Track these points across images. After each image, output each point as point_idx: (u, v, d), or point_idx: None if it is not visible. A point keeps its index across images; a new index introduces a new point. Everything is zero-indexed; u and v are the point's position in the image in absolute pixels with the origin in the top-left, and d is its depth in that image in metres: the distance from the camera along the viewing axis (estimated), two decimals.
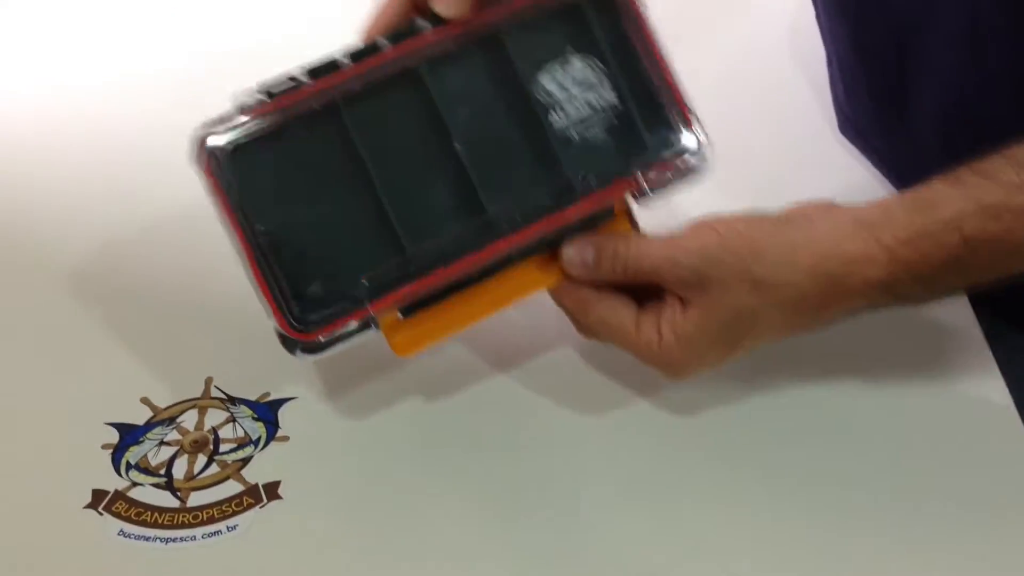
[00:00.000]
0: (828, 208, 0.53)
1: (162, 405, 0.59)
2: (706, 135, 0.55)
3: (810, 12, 0.73)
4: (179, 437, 0.58)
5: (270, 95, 0.52)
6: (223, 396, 0.60)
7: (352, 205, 0.52)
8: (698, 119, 0.55)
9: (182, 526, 0.55)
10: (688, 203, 0.58)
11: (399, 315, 0.52)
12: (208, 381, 0.60)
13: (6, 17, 0.81)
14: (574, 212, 0.54)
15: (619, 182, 0.54)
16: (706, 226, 0.53)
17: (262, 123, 0.51)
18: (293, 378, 0.60)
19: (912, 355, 0.60)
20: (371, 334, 0.52)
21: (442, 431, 0.58)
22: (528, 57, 0.54)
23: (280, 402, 0.59)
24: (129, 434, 0.58)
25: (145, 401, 0.60)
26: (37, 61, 0.80)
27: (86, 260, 0.67)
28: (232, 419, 0.59)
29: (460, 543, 0.54)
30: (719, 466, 0.56)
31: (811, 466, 0.56)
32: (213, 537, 0.54)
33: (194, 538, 0.54)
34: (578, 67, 0.54)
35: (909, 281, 0.51)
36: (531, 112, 0.54)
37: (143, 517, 0.55)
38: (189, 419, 0.59)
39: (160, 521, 0.55)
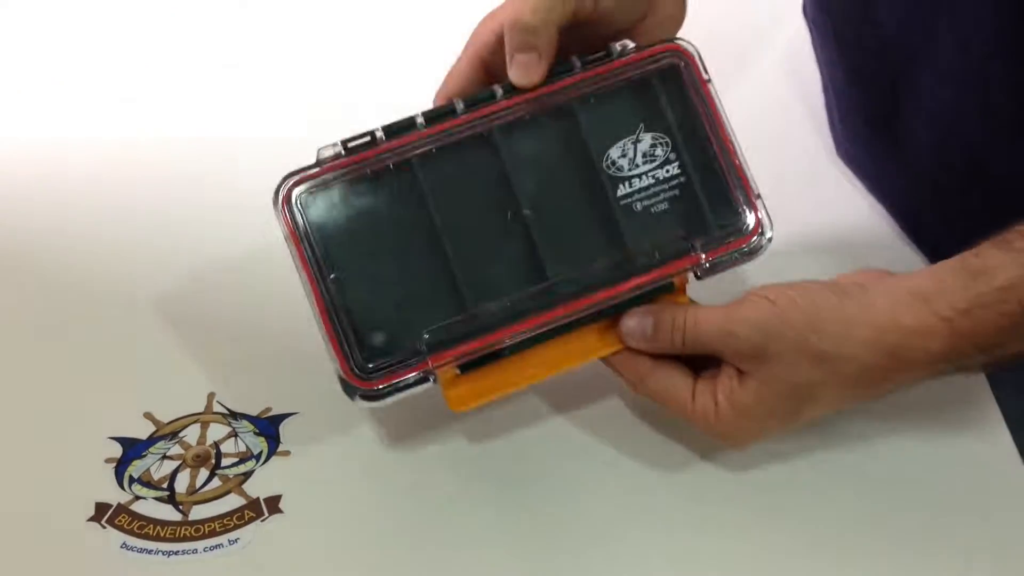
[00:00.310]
0: (881, 278, 0.54)
1: (165, 420, 0.60)
2: (768, 216, 0.56)
3: (808, 38, 0.74)
4: (181, 451, 0.59)
5: (347, 150, 0.54)
6: (225, 411, 0.60)
7: (420, 260, 0.54)
8: (761, 200, 0.56)
9: (184, 539, 0.55)
10: None
11: (457, 371, 0.54)
12: (210, 396, 0.61)
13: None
14: (634, 284, 0.55)
15: (681, 259, 0.55)
16: (761, 297, 0.53)
17: (340, 176, 0.54)
18: (294, 394, 0.61)
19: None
20: (429, 386, 0.53)
21: (446, 449, 0.59)
22: (598, 129, 0.56)
23: (281, 417, 0.60)
24: (132, 448, 0.59)
25: (148, 416, 0.60)
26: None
27: (90, 276, 0.68)
28: (234, 434, 0.59)
29: (461, 559, 0.55)
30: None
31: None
32: (215, 550, 0.55)
33: (196, 551, 0.55)
34: (647, 143, 0.56)
35: (971, 351, 0.51)
36: (599, 183, 0.55)
37: (145, 530, 0.56)
38: (191, 433, 0.59)
39: (162, 534, 0.55)
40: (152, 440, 0.59)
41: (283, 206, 0.53)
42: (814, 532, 0.56)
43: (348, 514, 0.57)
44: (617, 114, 0.56)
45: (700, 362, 0.55)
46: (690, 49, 0.56)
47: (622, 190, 0.55)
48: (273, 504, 0.57)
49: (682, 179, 0.56)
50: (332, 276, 0.53)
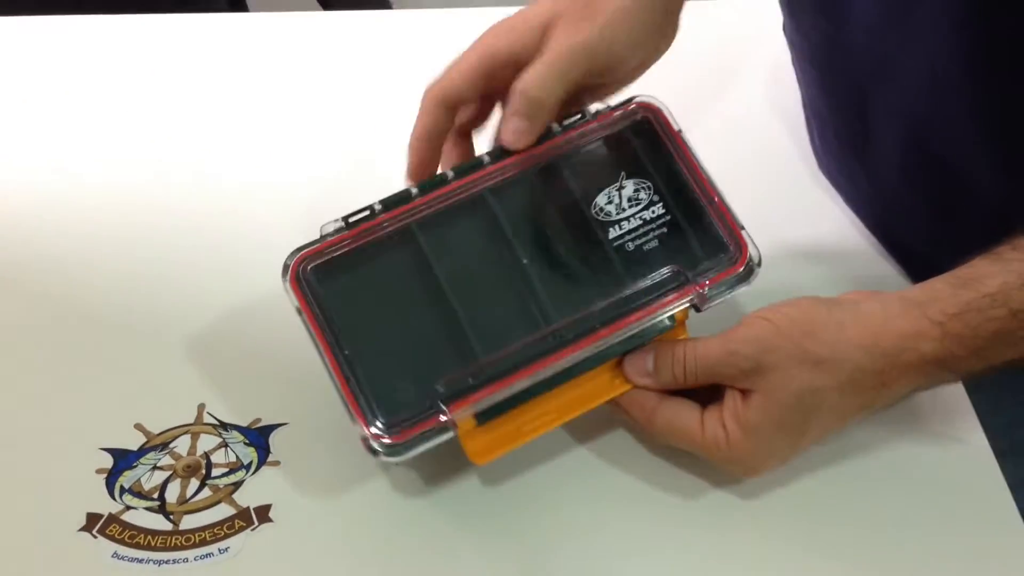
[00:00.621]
0: (873, 292, 0.55)
1: (155, 431, 0.61)
2: (755, 244, 0.58)
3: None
4: (172, 462, 0.59)
5: (348, 224, 0.56)
6: (215, 422, 0.61)
7: (428, 317, 0.56)
8: (746, 231, 0.58)
9: (175, 548, 0.56)
10: None
11: (474, 422, 0.54)
12: (200, 407, 0.62)
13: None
14: (635, 319, 0.56)
15: (677, 292, 0.57)
16: (757, 317, 0.55)
17: (344, 248, 0.56)
18: (284, 404, 0.61)
19: None
20: (449, 436, 0.54)
21: (436, 458, 0.59)
22: (583, 181, 0.59)
23: (271, 428, 0.61)
24: (123, 459, 0.59)
25: (139, 427, 0.61)
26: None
27: (83, 290, 0.69)
28: (224, 444, 0.60)
29: (452, 566, 0.56)
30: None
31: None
32: (205, 559, 0.56)
33: (186, 560, 0.55)
34: (630, 188, 0.59)
35: (964, 355, 0.52)
36: (590, 229, 0.58)
37: (136, 540, 0.56)
38: (182, 444, 0.60)
39: (153, 544, 0.56)
40: (143, 451, 0.60)
41: (292, 281, 0.55)
42: (811, 533, 0.57)
43: (337, 523, 0.57)
44: (598, 166, 0.59)
45: (704, 398, 0.56)
46: (658, 104, 0.60)
47: (613, 233, 0.58)
48: (263, 513, 0.57)
49: (668, 218, 0.59)
50: (345, 340, 0.54)
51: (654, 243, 0.58)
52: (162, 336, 0.66)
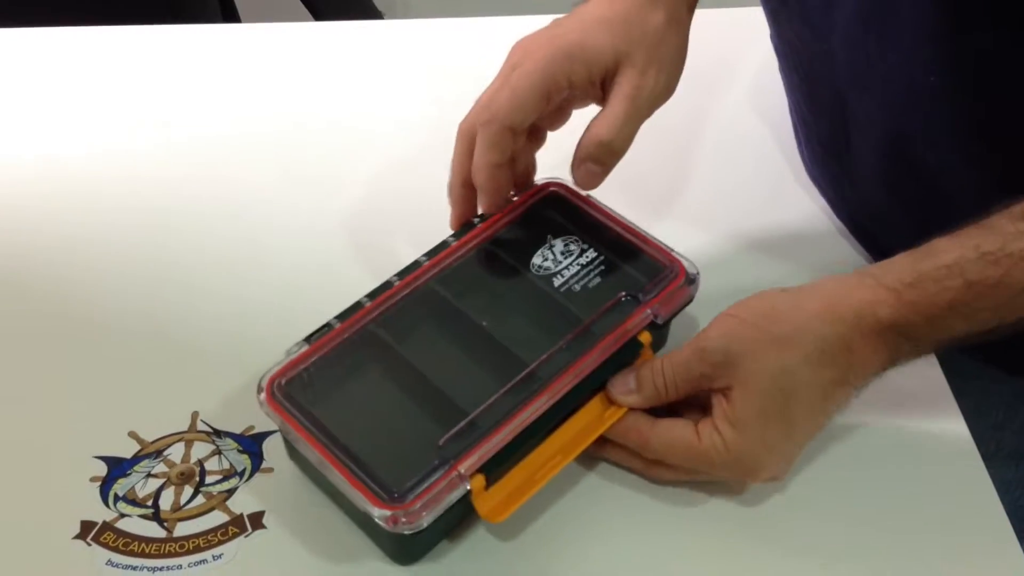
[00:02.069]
0: (831, 276, 0.57)
1: (149, 439, 0.61)
2: (687, 259, 0.62)
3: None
4: (166, 469, 0.60)
5: (310, 341, 0.58)
6: (209, 429, 0.61)
7: (410, 396, 0.57)
8: (671, 248, 0.63)
9: (169, 555, 0.56)
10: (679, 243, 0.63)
11: (484, 483, 0.55)
12: (194, 415, 0.62)
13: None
14: (603, 346, 0.59)
15: (634, 312, 0.60)
16: (723, 315, 0.57)
17: (312, 362, 0.58)
18: None
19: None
20: (463, 492, 0.54)
21: None
22: (516, 251, 0.63)
23: (264, 435, 0.61)
24: (117, 467, 0.60)
25: (133, 435, 0.61)
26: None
27: (77, 297, 0.69)
28: (218, 451, 0.60)
29: (444, 571, 0.56)
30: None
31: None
32: (199, 566, 0.56)
33: (180, 567, 0.56)
34: (560, 245, 0.63)
35: (919, 322, 0.53)
36: (536, 286, 0.62)
37: (131, 547, 0.57)
38: (176, 452, 0.60)
39: (147, 551, 0.56)
40: (137, 459, 0.60)
41: (269, 402, 0.56)
42: (807, 535, 0.58)
43: (330, 530, 0.58)
44: (526, 235, 0.64)
45: (694, 417, 0.57)
46: (564, 181, 0.65)
47: (557, 281, 0.62)
48: (256, 520, 0.58)
49: (602, 258, 0.62)
50: (338, 438, 0.55)
51: (597, 279, 0.62)
52: (155, 344, 0.66)
